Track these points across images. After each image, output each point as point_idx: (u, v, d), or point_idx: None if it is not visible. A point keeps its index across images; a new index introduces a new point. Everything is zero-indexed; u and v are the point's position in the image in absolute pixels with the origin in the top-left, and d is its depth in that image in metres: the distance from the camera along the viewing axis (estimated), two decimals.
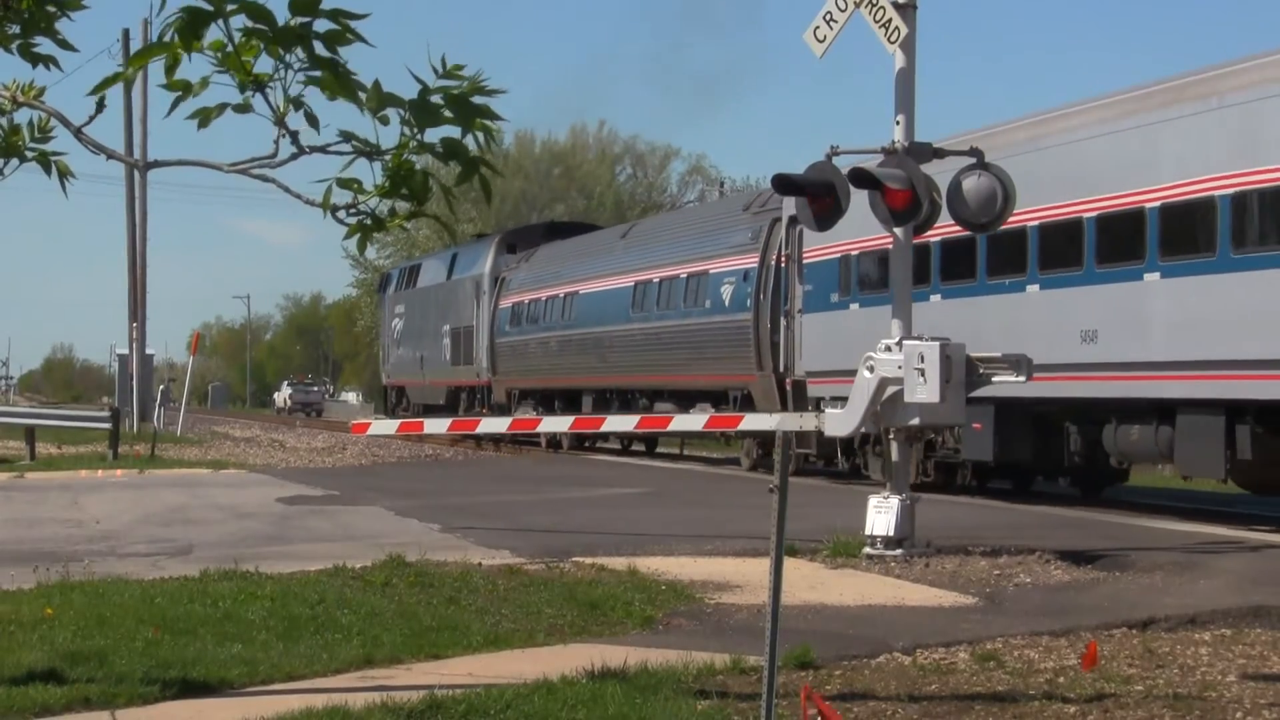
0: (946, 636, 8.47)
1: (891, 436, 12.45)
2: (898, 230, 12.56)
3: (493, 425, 26.97)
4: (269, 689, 7.05)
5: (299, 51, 5.11)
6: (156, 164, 6.42)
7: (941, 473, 19.44)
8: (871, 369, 12.03)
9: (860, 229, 18.62)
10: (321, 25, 5.06)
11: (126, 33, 43.94)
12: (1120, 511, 16.95)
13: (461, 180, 5.44)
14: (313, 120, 5.34)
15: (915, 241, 12.99)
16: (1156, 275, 15.33)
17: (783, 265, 23.43)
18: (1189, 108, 15.13)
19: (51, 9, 6.08)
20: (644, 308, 28.63)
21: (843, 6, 12.43)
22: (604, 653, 7.60)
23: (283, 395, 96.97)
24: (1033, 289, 17.06)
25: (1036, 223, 16.74)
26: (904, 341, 12.01)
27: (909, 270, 12.79)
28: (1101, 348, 15.92)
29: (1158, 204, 15.20)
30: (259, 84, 5.22)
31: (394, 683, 6.98)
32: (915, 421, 12.15)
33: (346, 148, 5.51)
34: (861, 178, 12.22)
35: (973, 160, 12.55)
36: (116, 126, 43.19)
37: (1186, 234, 14.93)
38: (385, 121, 5.35)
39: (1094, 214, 16.26)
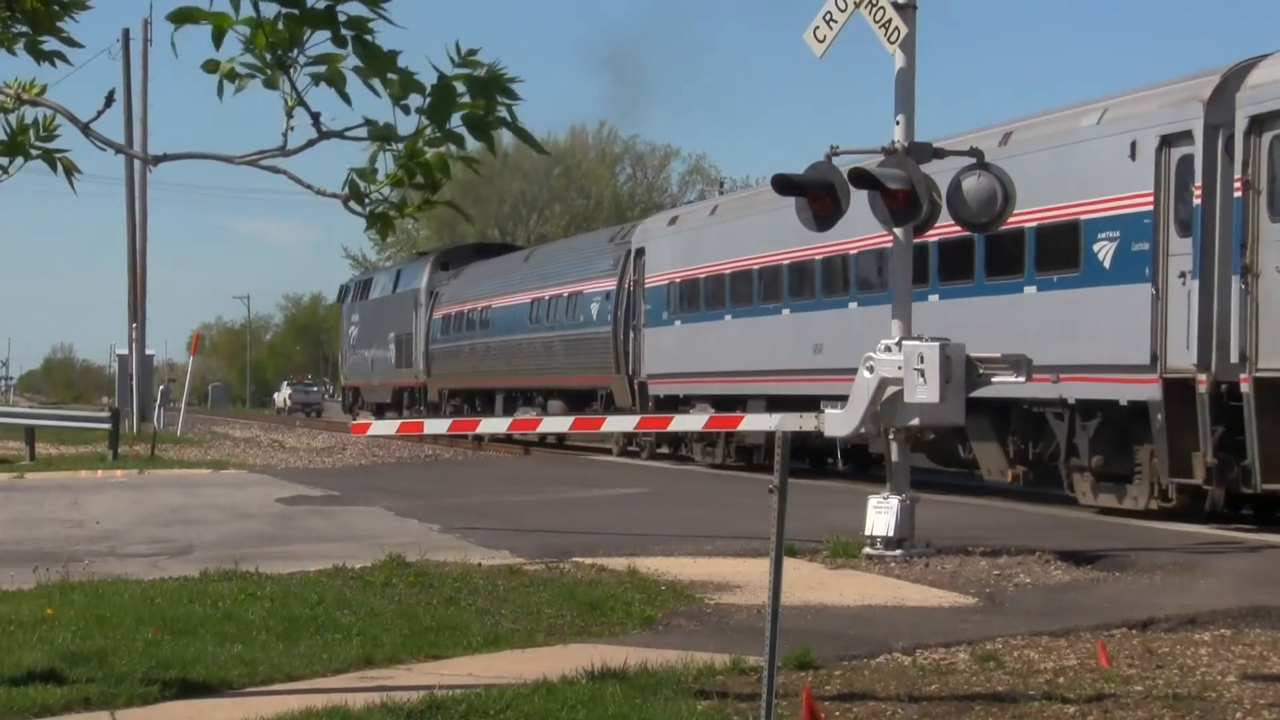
0: (946, 637, 8.47)
1: (891, 437, 12.45)
2: (898, 230, 12.55)
3: (493, 425, 28.35)
4: (269, 689, 7.05)
5: (315, 39, 5.17)
6: (165, 157, 6.37)
7: (742, 456, 24.42)
8: (871, 369, 12.02)
9: (676, 261, 26.60)
10: (352, 9, 5.13)
11: (126, 32, 43.98)
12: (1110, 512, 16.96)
13: (520, 137, 5.63)
14: (345, 97, 5.38)
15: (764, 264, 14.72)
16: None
17: (631, 288, 28.51)
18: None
19: (55, 8, 6.09)
20: (537, 320, 33.92)
21: (842, 7, 12.42)
22: (604, 653, 7.61)
23: (282, 395, 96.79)
24: (785, 313, 22.87)
25: (759, 267, 23.57)
26: (904, 342, 12.02)
27: (909, 271, 12.79)
28: (824, 357, 21.46)
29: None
30: (282, 66, 5.25)
31: (394, 683, 6.99)
32: (915, 422, 12.15)
33: (362, 132, 5.54)
34: (861, 178, 12.23)
35: (973, 160, 12.56)
36: (117, 127, 43.20)
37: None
38: (406, 111, 5.38)
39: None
